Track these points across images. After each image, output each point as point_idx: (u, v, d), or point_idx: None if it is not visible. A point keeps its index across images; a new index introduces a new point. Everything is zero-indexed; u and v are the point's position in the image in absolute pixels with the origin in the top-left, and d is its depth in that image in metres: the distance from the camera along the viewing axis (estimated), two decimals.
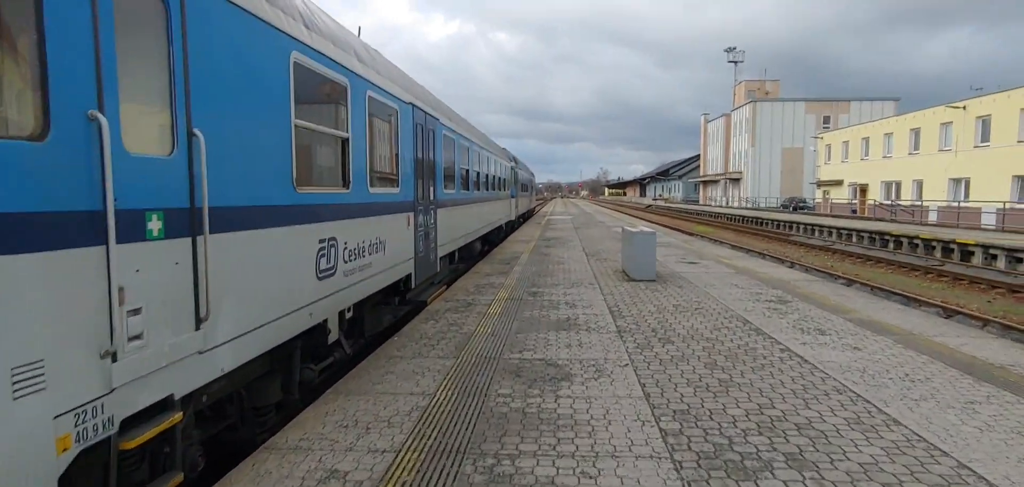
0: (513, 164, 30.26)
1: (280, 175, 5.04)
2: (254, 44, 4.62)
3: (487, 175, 19.48)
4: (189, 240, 3.80)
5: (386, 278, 7.96)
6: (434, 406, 5.04)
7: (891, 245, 28.04)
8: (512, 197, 28.60)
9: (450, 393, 5.34)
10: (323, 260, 5.89)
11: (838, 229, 33.90)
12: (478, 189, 17.01)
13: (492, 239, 22.68)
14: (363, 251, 7.08)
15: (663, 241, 21.14)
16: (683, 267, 14.05)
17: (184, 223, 3.76)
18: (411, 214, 9.26)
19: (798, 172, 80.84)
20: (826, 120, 79.23)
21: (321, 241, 5.86)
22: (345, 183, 6.61)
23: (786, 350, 6.67)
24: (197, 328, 3.87)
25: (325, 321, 6.04)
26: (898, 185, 45.70)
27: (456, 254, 13.91)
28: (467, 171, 15.25)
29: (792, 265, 20.54)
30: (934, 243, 25.03)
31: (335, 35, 6.47)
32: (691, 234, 33.95)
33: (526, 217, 41.42)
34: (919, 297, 14.32)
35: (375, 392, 5.39)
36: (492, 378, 5.75)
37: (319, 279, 5.79)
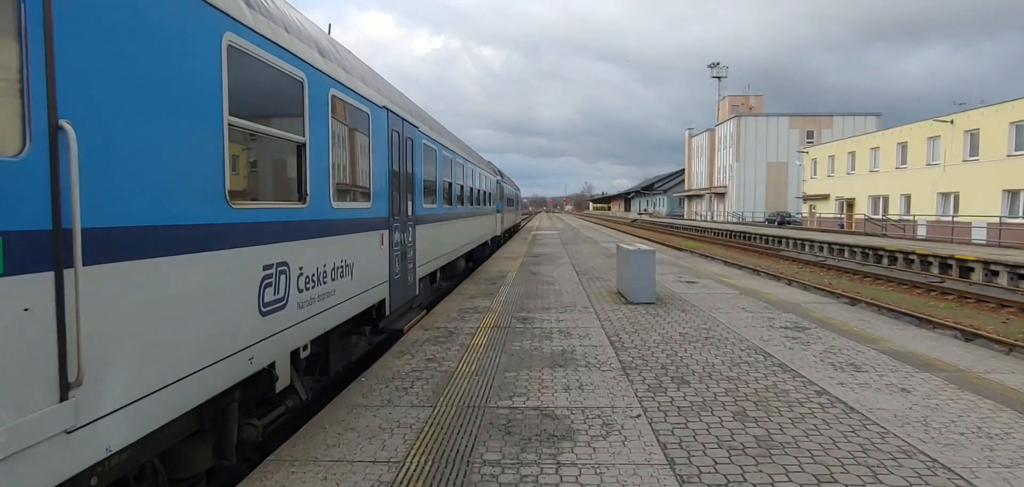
0: (499, 178, 29.31)
1: (207, 186, 3.96)
2: (165, 16, 3.55)
3: (472, 189, 18.46)
4: (50, 275, 2.71)
5: (354, 306, 6.87)
6: (403, 481, 3.95)
7: (885, 261, 27.45)
8: (498, 212, 27.61)
9: (423, 461, 4.25)
10: (269, 291, 4.80)
11: (829, 244, 33.33)
12: (462, 204, 15.97)
13: (477, 256, 21.64)
14: (324, 276, 6.00)
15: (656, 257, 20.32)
16: (681, 287, 13.10)
17: (42, 252, 2.67)
18: (385, 232, 8.20)
19: (783, 186, 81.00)
20: (810, 135, 79.59)
21: (267, 268, 4.78)
22: (301, 197, 5.54)
23: (823, 392, 5.68)
24: (63, 398, 2.77)
25: (272, 364, 4.94)
26: (886, 199, 45.45)
27: (438, 274, 12.83)
28: (450, 184, 14.21)
29: (789, 282, 19.71)
30: (931, 258, 24.42)
31: (289, 21, 5.42)
32: (680, 249, 33.18)
33: (512, 232, 40.42)
34: (931, 317, 13.49)
35: (327, 460, 4.28)
36: (477, 437, 4.67)
37: (263, 314, 4.70)
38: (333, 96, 6.21)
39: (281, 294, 5.01)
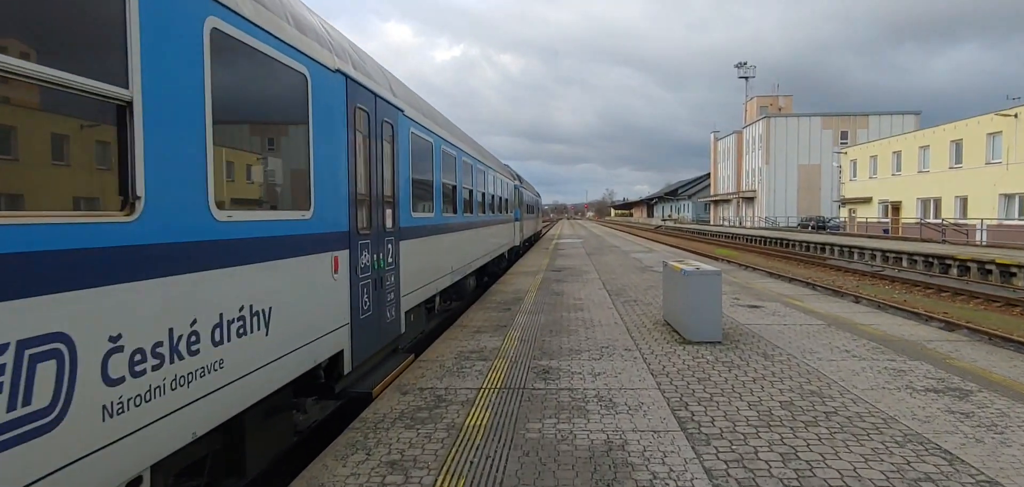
0: (517, 183, 26.68)
1: None
2: None
3: (484, 195, 15.86)
4: None
5: (269, 378, 4.28)
6: None
7: (955, 270, 24.17)
8: (516, 220, 24.96)
9: None
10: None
11: (883, 252, 30.03)
12: (470, 211, 13.36)
13: (493, 270, 19.04)
14: (191, 343, 3.42)
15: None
16: (744, 313, 10.31)
17: None
18: (341, 253, 5.61)
19: (815, 189, 77.17)
20: (844, 135, 75.80)
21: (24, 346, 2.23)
22: (127, 203, 2.97)
23: None
24: None
25: None
26: (937, 201, 41.82)
27: (437, 300, 10.22)
28: (455, 188, 11.62)
29: (856, 300, 16.72)
30: (1015, 269, 21.15)
31: None
32: (715, 258, 30.09)
33: (532, 242, 37.67)
34: None
35: None
36: None
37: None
38: (211, 28, 3.63)
39: (53, 398, 2.45)
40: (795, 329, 8.91)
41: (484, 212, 15.73)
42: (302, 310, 4.79)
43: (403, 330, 7.71)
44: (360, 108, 6.24)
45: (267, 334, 4.22)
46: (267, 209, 4.41)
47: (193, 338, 3.42)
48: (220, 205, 3.70)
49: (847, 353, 7.41)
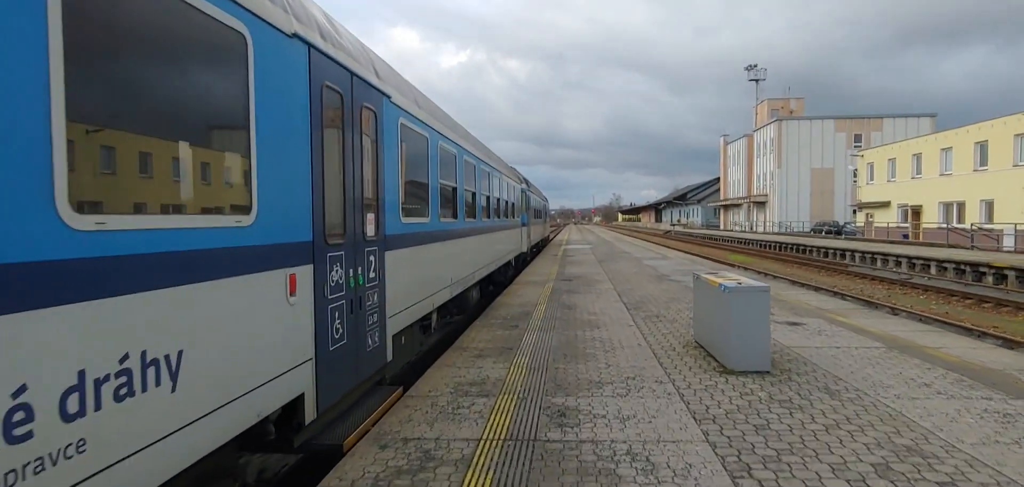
0: (524, 187, 25.43)
1: None
2: None
3: (489, 198, 14.62)
4: None
5: (174, 454, 3.01)
6: None
7: (990, 278, 22.69)
8: (523, 225, 23.67)
9: None
10: None
11: (908, 258, 28.56)
12: (473, 216, 12.12)
13: (499, 279, 17.79)
14: (8, 428, 2.17)
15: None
16: (785, 332, 8.99)
17: None
18: (299, 271, 4.35)
19: (828, 194, 75.56)
20: (857, 138, 74.21)
21: None
22: None
23: None
24: None
25: None
26: (961, 205, 40.25)
27: (434, 317, 8.97)
28: (455, 191, 10.39)
29: (893, 312, 15.35)
30: None
31: None
32: (730, 265, 28.68)
33: (540, 248, 36.37)
34: None
35: None
36: None
37: None
38: None
39: None
40: (852, 354, 7.58)
41: (489, 217, 14.48)
42: (237, 349, 3.54)
43: (390, 358, 6.45)
44: (331, 88, 5.00)
45: (173, 390, 2.97)
46: (175, 213, 3.16)
47: (21, 416, 2.17)
48: (80, 207, 2.46)
49: (927, 388, 6.08)
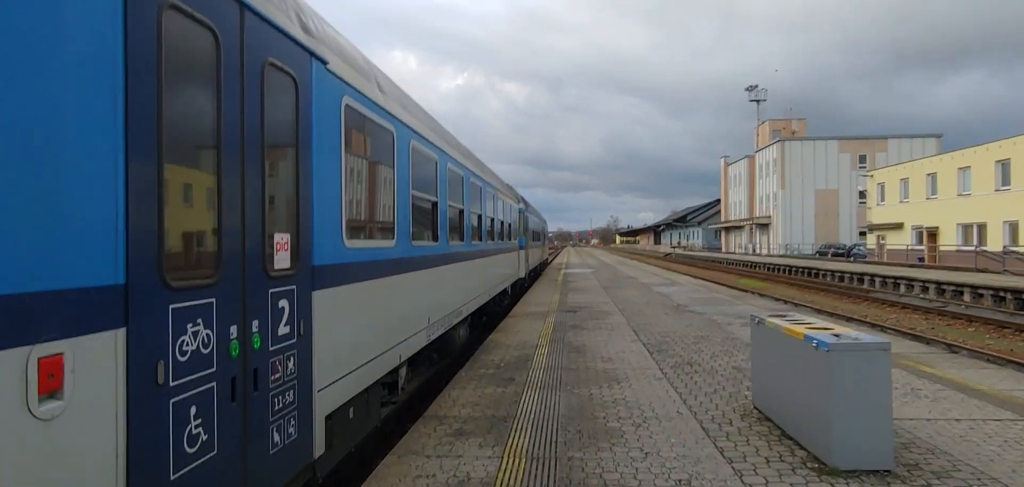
0: (522, 206, 23.32)
1: None
2: None
3: (482, 217, 12.50)
4: None
5: None
6: None
7: None
8: (521, 249, 21.48)
9: None
10: None
11: (936, 284, 26.42)
12: (459, 239, 9.96)
13: (493, 309, 15.61)
14: None
15: (732, 309, 13.65)
16: None
17: None
18: (69, 348, 2.17)
19: (833, 215, 73.75)
20: (862, 159, 72.66)
21: None
22: None
23: None
24: None
25: None
26: (981, 227, 38.24)
27: (403, 373, 6.75)
28: (436, 205, 8.25)
29: (950, 348, 13.14)
30: None
31: None
32: (741, 290, 26.36)
33: (538, 272, 34.10)
34: None
35: None
36: None
37: None
38: None
39: None
40: (987, 434, 5.38)
41: (481, 240, 12.33)
42: None
43: (319, 453, 4.25)
44: (183, 11, 2.86)
45: None
46: None
47: None
48: None
49: None
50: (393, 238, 6.14)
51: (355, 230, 5.07)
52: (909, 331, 16.65)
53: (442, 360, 9.39)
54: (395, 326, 6.06)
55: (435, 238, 8.14)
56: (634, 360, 8.90)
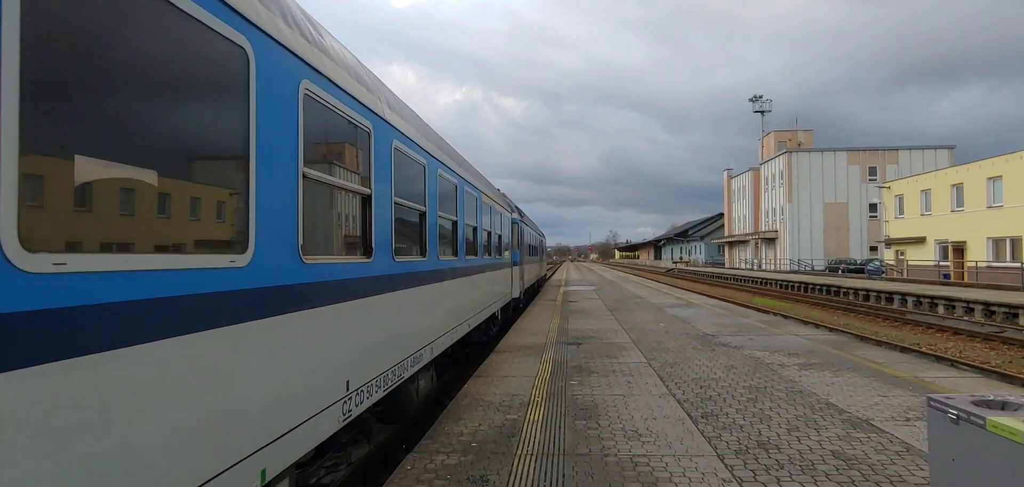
0: (517, 216, 20.38)
1: None
2: None
3: (467, 227, 9.59)
4: None
5: None
6: None
7: None
8: (514, 265, 18.48)
9: None
10: None
11: (983, 304, 23.49)
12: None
13: (478, 339, 12.67)
14: None
15: (773, 341, 10.59)
16: None
17: None
18: None
19: (843, 229, 70.96)
20: (872, 171, 70.01)
21: None
22: None
23: None
24: None
25: None
26: (1015, 241, 35.35)
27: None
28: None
29: None
30: None
31: None
32: (767, 313, 23.29)
33: (535, 291, 30.93)
34: None
35: None
36: None
37: None
38: None
39: None
40: None
41: (471, 256, 9.40)
42: None
43: None
44: None
45: None
46: None
47: None
48: None
49: None
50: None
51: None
52: (983, 365, 13.70)
53: (382, 432, 6.36)
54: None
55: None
56: (673, 435, 5.92)
